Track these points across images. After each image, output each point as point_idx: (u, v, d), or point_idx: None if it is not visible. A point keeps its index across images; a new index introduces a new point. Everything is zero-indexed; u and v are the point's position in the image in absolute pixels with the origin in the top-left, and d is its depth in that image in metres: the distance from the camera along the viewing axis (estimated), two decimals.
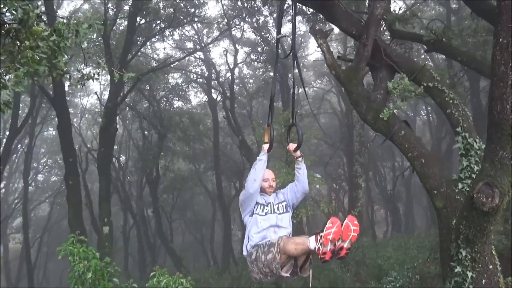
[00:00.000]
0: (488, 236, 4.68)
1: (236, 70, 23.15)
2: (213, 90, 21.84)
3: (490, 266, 4.91)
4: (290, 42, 3.30)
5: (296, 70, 3.82)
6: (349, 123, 18.46)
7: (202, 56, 22.33)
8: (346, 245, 2.84)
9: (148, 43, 20.84)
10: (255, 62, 21.30)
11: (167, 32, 16.82)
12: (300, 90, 20.34)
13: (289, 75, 18.45)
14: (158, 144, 20.37)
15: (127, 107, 21.57)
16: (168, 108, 22.00)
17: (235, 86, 24.33)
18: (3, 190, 28.97)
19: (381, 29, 7.22)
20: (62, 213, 27.04)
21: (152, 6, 14.30)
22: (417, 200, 27.54)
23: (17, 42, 3.31)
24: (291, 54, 3.76)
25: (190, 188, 24.37)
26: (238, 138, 16.63)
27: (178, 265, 20.98)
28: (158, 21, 15.48)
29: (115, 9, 13.94)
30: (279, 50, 4.30)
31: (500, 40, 3.60)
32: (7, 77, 3.23)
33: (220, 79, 20.75)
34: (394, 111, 5.65)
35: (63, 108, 12.32)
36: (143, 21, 14.61)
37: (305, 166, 3.63)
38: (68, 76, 3.67)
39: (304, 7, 10.67)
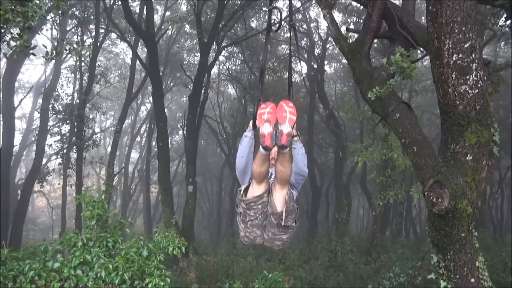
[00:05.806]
0: (461, 244, 3.94)
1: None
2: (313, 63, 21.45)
3: (472, 280, 4.13)
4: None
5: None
6: None
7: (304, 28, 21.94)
8: (285, 129, 2.57)
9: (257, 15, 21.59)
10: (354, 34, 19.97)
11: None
12: None
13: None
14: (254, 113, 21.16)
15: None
16: (274, 79, 22.48)
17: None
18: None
19: None
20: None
21: None
22: None
23: None
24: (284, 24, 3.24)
25: None
26: (325, 111, 16.14)
27: None
28: None
29: None
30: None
31: (430, 8, 2.92)
32: None
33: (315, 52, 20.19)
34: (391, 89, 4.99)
35: (156, 77, 13.87)
36: None
37: (302, 145, 3.23)
38: (29, 50, 4.40)
39: None
